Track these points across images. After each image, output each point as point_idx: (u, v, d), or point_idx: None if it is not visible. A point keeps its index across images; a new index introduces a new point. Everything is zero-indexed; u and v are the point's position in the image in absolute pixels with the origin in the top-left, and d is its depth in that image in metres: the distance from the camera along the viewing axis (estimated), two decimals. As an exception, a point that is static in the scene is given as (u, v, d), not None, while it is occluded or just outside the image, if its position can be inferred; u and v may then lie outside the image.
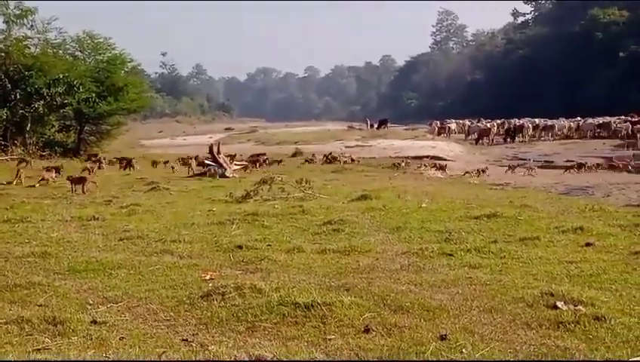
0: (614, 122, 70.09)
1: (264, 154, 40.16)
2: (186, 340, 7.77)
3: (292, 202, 20.21)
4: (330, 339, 7.67)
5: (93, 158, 38.59)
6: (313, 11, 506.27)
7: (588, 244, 12.72)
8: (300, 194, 21.84)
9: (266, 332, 8.00)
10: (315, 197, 21.26)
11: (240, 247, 12.86)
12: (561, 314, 8.32)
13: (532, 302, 8.87)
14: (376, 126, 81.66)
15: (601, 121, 71.76)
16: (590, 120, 73.38)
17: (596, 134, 68.31)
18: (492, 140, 65.37)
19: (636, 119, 68.49)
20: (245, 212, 17.74)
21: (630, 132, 63.90)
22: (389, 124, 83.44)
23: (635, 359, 7.04)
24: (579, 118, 75.73)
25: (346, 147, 50.63)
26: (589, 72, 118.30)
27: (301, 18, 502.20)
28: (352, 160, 38.53)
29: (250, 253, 12.39)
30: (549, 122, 72.46)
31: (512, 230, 14.64)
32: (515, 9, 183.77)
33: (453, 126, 79.38)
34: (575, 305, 8.59)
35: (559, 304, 8.64)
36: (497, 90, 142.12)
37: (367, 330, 7.88)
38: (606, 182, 29.71)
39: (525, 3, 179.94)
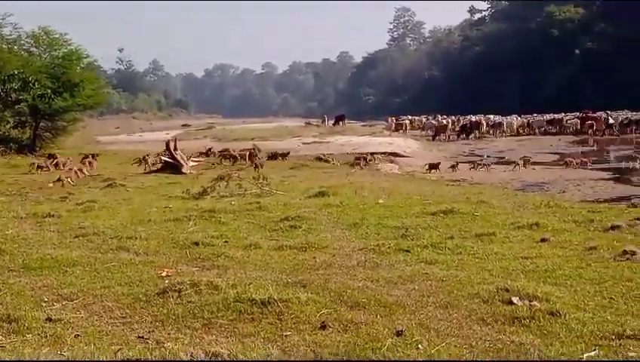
0: (564, 118, 71.82)
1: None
2: (142, 337, 7.73)
3: (249, 198, 20.21)
4: (286, 336, 7.67)
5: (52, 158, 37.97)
6: (269, 8, 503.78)
7: (543, 240, 12.80)
8: (257, 190, 21.81)
9: (222, 329, 7.98)
10: (272, 194, 21.26)
11: (196, 244, 12.83)
12: (516, 310, 8.37)
13: (488, 297, 8.90)
14: (332, 122, 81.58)
15: (551, 118, 73.09)
16: (539, 117, 74.36)
17: (547, 130, 69.34)
18: (448, 137, 65.70)
19: (588, 115, 69.45)
20: (202, 208, 17.70)
21: (579, 128, 66.19)
22: (345, 121, 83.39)
23: (589, 354, 7.10)
24: (535, 115, 76.48)
25: (304, 143, 50.58)
26: (545, 68, 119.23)
27: (258, 15, 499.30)
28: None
29: (207, 250, 12.37)
30: (498, 119, 73.11)
31: (468, 226, 14.70)
32: (471, 6, 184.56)
33: (408, 122, 79.73)
34: (530, 301, 8.64)
35: (514, 299, 8.69)
36: (454, 86, 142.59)
37: (323, 327, 7.88)
38: (562, 178, 29.98)
39: (482, 0, 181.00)
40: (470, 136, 66.33)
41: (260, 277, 10.01)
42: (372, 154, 38.22)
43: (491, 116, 76.98)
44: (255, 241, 13.05)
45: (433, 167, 33.69)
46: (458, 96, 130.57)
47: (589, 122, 66.81)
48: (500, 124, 70.78)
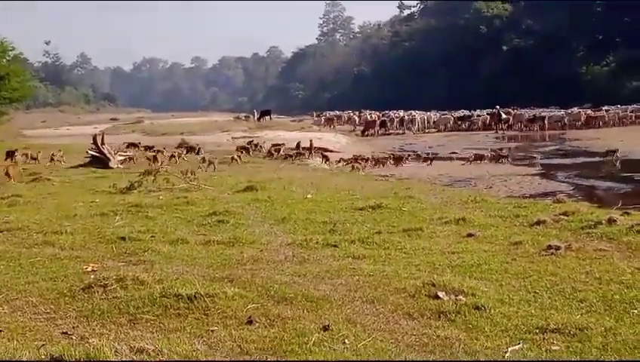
0: (474, 114, 73.82)
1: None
2: (66, 333, 7.66)
3: (177, 193, 20.09)
4: (212, 331, 7.65)
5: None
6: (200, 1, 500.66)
7: (469, 235, 12.91)
8: (185, 185, 21.70)
9: (148, 324, 7.95)
10: (200, 189, 21.17)
11: (123, 239, 12.73)
12: (442, 304, 8.44)
13: (414, 292, 8.96)
14: (257, 117, 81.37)
15: (461, 114, 74.93)
16: (447, 113, 75.91)
17: (456, 127, 71.12)
18: (377, 132, 65.96)
19: (500, 111, 70.94)
20: (129, 203, 17.57)
21: (487, 123, 68.58)
22: (272, 115, 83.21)
23: (514, 348, 7.17)
24: (463, 111, 77.47)
25: (233, 138, 50.37)
26: (473, 64, 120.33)
27: (187, 7, 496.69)
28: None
29: (134, 245, 12.28)
30: (413, 114, 74.07)
31: (395, 221, 14.79)
32: (401, 2, 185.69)
33: (333, 117, 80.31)
34: (456, 295, 8.73)
35: (441, 294, 8.76)
36: (384, 82, 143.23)
37: (250, 321, 7.87)
38: (489, 173, 30.20)
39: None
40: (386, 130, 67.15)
41: (186, 272, 9.96)
42: (302, 149, 38.12)
43: (413, 112, 77.75)
44: (182, 236, 12.98)
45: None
46: (388, 92, 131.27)
47: (505, 117, 69.10)
48: (414, 120, 71.77)
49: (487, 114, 72.01)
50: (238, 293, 8.75)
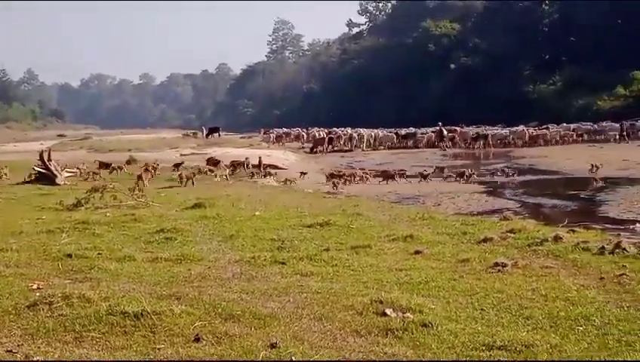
0: (417, 132, 74.76)
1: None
2: (11, 351, 7.59)
3: (124, 210, 19.94)
4: (159, 349, 7.61)
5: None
6: (149, 18, 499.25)
7: (417, 252, 12.96)
8: (133, 202, 21.57)
9: (94, 342, 7.88)
10: (148, 206, 21.04)
11: (69, 256, 12.59)
12: (389, 322, 8.47)
13: (362, 309, 8.98)
14: (205, 133, 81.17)
15: (404, 132, 75.57)
16: (386, 132, 76.82)
17: (402, 144, 71.88)
18: (326, 149, 66.10)
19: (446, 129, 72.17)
20: (76, 220, 17.39)
21: (433, 141, 69.58)
22: (220, 132, 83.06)
23: None
24: (412, 129, 78.04)
25: (181, 155, 50.16)
26: (422, 83, 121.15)
27: (136, 24, 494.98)
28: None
29: (80, 262, 12.15)
30: (360, 131, 74.79)
31: (343, 238, 14.81)
32: (350, 20, 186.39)
33: (282, 134, 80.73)
34: (403, 312, 8.75)
35: (388, 311, 8.78)
36: (333, 99, 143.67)
37: (197, 339, 7.83)
38: (437, 191, 30.33)
39: (360, 14, 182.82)
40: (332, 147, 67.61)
41: (133, 290, 9.89)
42: (252, 165, 38.09)
43: (360, 130, 78.34)
44: (129, 253, 12.87)
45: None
46: (336, 110, 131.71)
47: (447, 135, 70.30)
48: (361, 138, 72.33)
49: (432, 132, 72.87)
50: (185, 311, 8.70)
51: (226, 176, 34.20)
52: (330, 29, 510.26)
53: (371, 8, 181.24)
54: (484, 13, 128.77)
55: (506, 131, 72.66)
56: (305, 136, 78.51)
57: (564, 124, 73.91)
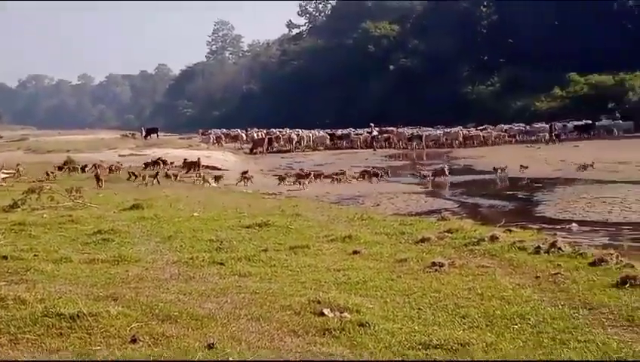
0: (352, 133, 75.60)
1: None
2: (-56, 354, 7.47)
3: (61, 211, 19.72)
4: (95, 350, 7.53)
5: None
6: (87, 18, 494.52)
7: (355, 252, 13.01)
8: (70, 203, 21.37)
9: (30, 344, 7.78)
10: (85, 207, 20.86)
11: (5, 258, 12.41)
12: (327, 321, 8.49)
13: (300, 309, 9.00)
14: (144, 134, 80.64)
15: (339, 133, 76.41)
16: (322, 132, 77.43)
17: (336, 144, 72.57)
18: (265, 150, 66.11)
19: (382, 130, 73.15)
20: (12, 221, 17.16)
21: (369, 142, 70.61)
22: (159, 133, 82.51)
23: None
24: (347, 130, 78.46)
25: (120, 156, 49.77)
26: (362, 83, 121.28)
27: (75, 24, 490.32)
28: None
29: (16, 264, 11.99)
30: (299, 132, 75.58)
31: (282, 239, 14.83)
32: (289, 21, 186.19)
33: (221, 135, 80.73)
34: (341, 312, 8.78)
35: (326, 311, 8.80)
36: (273, 100, 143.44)
37: (134, 340, 7.77)
38: (376, 191, 30.46)
39: (300, 15, 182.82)
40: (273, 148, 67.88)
41: (69, 291, 9.79)
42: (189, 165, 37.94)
43: (299, 130, 78.68)
44: (66, 255, 12.74)
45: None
46: (276, 110, 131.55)
47: (385, 135, 72.42)
48: (301, 139, 73.28)
49: (368, 132, 73.49)
50: (122, 312, 8.63)
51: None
52: (270, 30, 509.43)
53: (311, 9, 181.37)
54: (423, 14, 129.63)
55: (440, 132, 74.44)
56: (244, 136, 78.39)
57: (502, 125, 75.28)
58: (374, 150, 66.66)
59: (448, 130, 75.35)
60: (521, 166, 37.97)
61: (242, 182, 32.98)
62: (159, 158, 41.02)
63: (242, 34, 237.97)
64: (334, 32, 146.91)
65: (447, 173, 37.32)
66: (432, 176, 36.65)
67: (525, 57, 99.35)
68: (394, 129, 76.04)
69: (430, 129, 77.53)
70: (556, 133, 70.18)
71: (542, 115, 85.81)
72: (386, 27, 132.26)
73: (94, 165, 36.15)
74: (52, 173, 33.22)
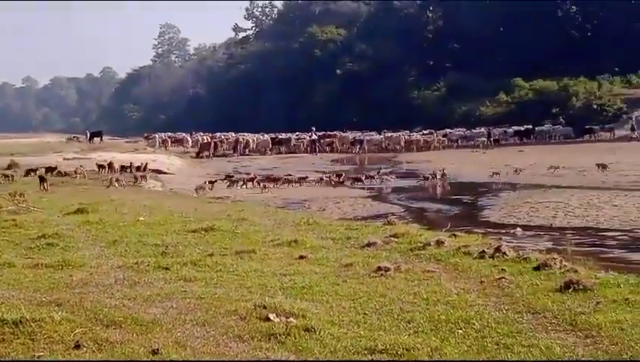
0: (292, 138, 76.02)
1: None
2: None
3: (4, 216, 19.50)
4: (39, 356, 7.47)
5: None
6: (30, 19, 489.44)
7: (301, 257, 13.01)
8: (13, 207, 21.14)
9: (-29, 350, 7.68)
10: (29, 211, 20.64)
11: (-55, 263, 12.28)
12: (272, 326, 8.47)
13: (245, 314, 8.97)
14: (88, 138, 79.97)
15: (280, 137, 76.89)
16: (266, 136, 77.67)
17: (266, 149, 72.78)
18: (212, 154, 65.94)
19: (326, 134, 74.94)
20: (-47, 227, 16.99)
21: (310, 146, 71.14)
22: (106, 137, 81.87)
23: None
24: (296, 133, 78.72)
25: (65, 159, 49.35)
26: (309, 88, 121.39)
27: (18, 25, 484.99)
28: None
29: (-43, 270, 11.85)
30: (245, 136, 76.58)
31: (228, 243, 14.80)
32: (236, 24, 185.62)
33: (167, 139, 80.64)
34: (287, 317, 8.76)
35: (271, 316, 8.79)
36: (220, 103, 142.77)
37: (77, 346, 7.72)
38: (322, 196, 30.47)
39: (246, 19, 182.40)
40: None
41: (12, 297, 9.70)
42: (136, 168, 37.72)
43: (232, 133, 79.22)
44: (9, 260, 12.63)
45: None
46: (224, 114, 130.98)
47: (328, 140, 73.31)
48: (247, 143, 73.65)
49: (309, 137, 74.00)
50: (66, 318, 8.56)
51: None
52: (217, 33, 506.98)
53: (257, 13, 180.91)
54: (370, 19, 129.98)
55: (381, 137, 75.67)
56: (189, 140, 78.13)
57: (446, 130, 76.48)
58: (316, 154, 66.98)
59: (389, 134, 76.32)
60: (443, 171, 38.26)
61: (204, 190, 32.71)
62: (110, 162, 40.73)
63: (188, 37, 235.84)
64: (281, 35, 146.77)
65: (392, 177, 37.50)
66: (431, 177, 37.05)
67: (471, 62, 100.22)
68: (337, 133, 76.41)
69: (373, 133, 78.38)
70: (495, 138, 71.26)
71: (487, 120, 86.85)
72: (333, 31, 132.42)
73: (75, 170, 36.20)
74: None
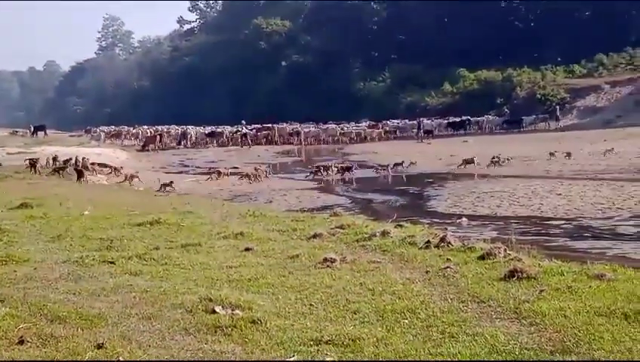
0: (225, 131, 76.38)
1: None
2: None
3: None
4: (-19, 353, 7.39)
5: None
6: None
7: (247, 249, 12.98)
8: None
9: None
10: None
11: None
12: (219, 319, 8.44)
13: (191, 307, 8.93)
14: (31, 132, 79.17)
15: (211, 130, 77.69)
16: (198, 129, 78.71)
17: (207, 142, 73.43)
18: (157, 147, 65.71)
19: (263, 126, 76.46)
20: None
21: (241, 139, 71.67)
22: (46, 131, 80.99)
23: (289, 360, 7.27)
24: (243, 123, 78.94)
25: (8, 153, 48.92)
26: (254, 80, 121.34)
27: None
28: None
29: None
30: (187, 129, 77.21)
31: (174, 236, 14.73)
32: (180, 17, 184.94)
33: (110, 132, 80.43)
34: (233, 310, 8.75)
35: (217, 309, 8.76)
36: (165, 96, 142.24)
37: (21, 342, 7.64)
38: (269, 188, 30.49)
39: (191, 11, 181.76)
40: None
41: (-46, 293, 9.58)
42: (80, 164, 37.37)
43: (174, 126, 79.32)
44: (-49, 255, 12.45)
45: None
46: (170, 107, 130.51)
47: (265, 132, 74.38)
48: (219, 133, 74.23)
49: (238, 130, 75.07)
50: (9, 313, 8.48)
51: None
52: (161, 26, 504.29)
53: (202, 5, 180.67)
54: (314, 10, 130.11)
55: (317, 129, 76.64)
56: (137, 133, 77.75)
57: (386, 122, 77.27)
58: (249, 147, 66.92)
59: (325, 126, 77.26)
60: (410, 162, 38.50)
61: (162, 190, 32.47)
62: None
63: (132, 30, 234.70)
64: (226, 28, 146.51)
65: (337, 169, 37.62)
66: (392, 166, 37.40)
67: (416, 53, 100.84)
68: (274, 126, 76.34)
69: (311, 125, 78.76)
70: (427, 129, 71.96)
71: (433, 110, 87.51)
72: (278, 23, 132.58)
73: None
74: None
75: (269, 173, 36.50)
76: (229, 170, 36.02)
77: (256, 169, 35.50)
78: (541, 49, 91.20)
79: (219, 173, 35.02)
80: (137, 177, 32.91)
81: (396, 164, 37.69)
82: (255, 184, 32.06)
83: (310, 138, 72.68)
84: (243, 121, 76.89)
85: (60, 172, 34.68)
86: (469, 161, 37.63)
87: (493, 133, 70.64)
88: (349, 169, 36.71)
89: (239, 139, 71.33)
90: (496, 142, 54.71)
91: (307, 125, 78.19)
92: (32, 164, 36.49)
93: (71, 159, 38.09)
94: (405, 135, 73.62)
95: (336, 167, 37.17)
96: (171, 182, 31.80)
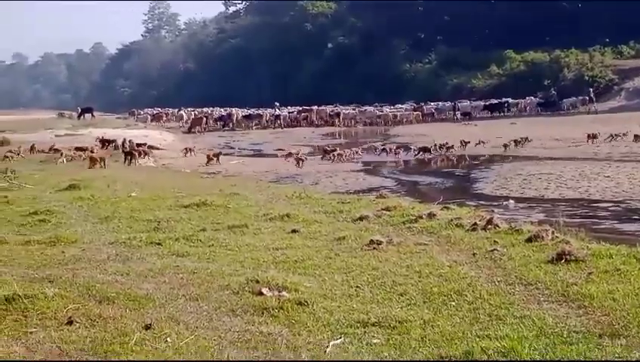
0: (264, 113, 76.06)
1: None
2: None
3: (-4, 192, 19.49)
4: (31, 332, 7.44)
5: None
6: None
7: (294, 231, 13.01)
8: (5, 184, 21.10)
9: (-36, 327, 7.66)
10: (21, 188, 20.61)
11: (-62, 240, 12.25)
12: (265, 301, 8.47)
13: (238, 289, 8.96)
14: (78, 114, 79.53)
15: (249, 113, 77.80)
16: (240, 112, 77.87)
17: (247, 125, 72.63)
18: (203, 129, 65.85)
19: (304, 109, 75.84)
20: (-54, 203, 16.97)
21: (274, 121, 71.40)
22: (94, 113, 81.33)
23: (335, 342, 7.26)
24: (289, 108, 78.75)
25: (56, 136, 49.19)
26: (299, 62, 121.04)
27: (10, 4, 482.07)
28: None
29: (-50, 246, 11.83)
30: (232, 111, 76.76)
31: (221, 218, 14.80)
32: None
33: (157, 114, 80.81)
34: (279, 291, 8.76)
35: (264, 290, 8.78)
36: (211, 79, 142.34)
37: (70, 322, 7.69)
38: (315, 170, 30.46)
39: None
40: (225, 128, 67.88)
41: (4, 273, 9.64)
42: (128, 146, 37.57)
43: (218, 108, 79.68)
44: (1, 237, 12.57)
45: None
46: (214, 89, 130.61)
47: (304, 114, 73.71)
48: (258, 116, 74.43)
49: (290, 112, 75.91)
50: (59, 294, 8.50)
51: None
52: (207, 7, 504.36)
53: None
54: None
55: (355, 111, 76.28)
56: (182, 115, 77.98)
57: (440, 103, 76.58)
58: (275, 128, 67.09)
59: (363, 109, 76.86)
60: (461, 142, 38.23)
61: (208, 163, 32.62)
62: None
63: (179, 12, 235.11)
64: (271, 9, 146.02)
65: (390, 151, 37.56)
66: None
67: (462, 35, 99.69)
68: (313, 108, 76.03)
69: (349, 107, 78.50)
70: (465, 111, 71.51)
71: (479, 92, 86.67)
72: (323, 5, 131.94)
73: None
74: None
75: (356, 153, 36.50)
76: (300, 152, 35.88)
77: (337, 150, 35.87)
78: (588, 30, 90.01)
79: (289, 154, 35.13)
80: (218, 158, 33.28)
81: (447, 147, 37.42)
82: (301, 167, 31.99)
83: (348, 120, 72.33)
84: (277, 103, 76.90)
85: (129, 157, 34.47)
86: (518, 142, 37.42)
87: (531, 116, 69.67)
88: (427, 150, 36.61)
89: (273, 122, 71.41)
90: (542, 124, 54.26)
91: (347, 107, 77.86)
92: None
93: (115, 140, 38.40)
94: (444, 117, 72.95)
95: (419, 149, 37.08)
96: (220, 153, 32.03)
